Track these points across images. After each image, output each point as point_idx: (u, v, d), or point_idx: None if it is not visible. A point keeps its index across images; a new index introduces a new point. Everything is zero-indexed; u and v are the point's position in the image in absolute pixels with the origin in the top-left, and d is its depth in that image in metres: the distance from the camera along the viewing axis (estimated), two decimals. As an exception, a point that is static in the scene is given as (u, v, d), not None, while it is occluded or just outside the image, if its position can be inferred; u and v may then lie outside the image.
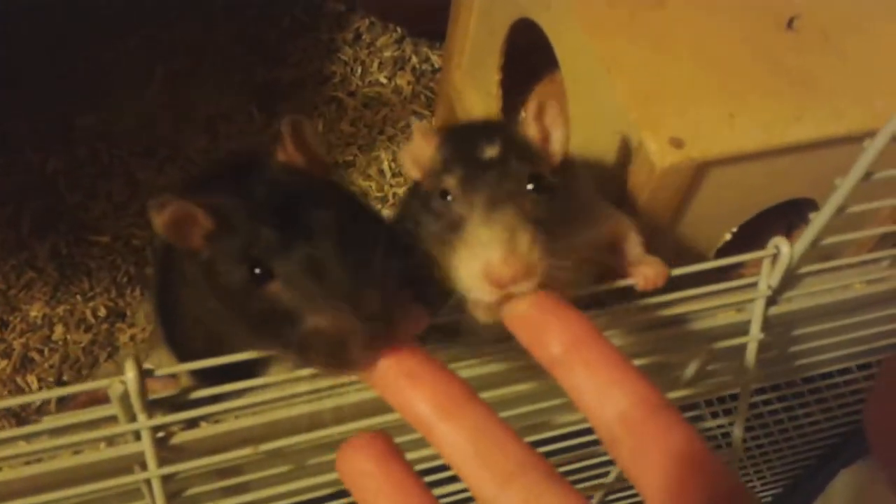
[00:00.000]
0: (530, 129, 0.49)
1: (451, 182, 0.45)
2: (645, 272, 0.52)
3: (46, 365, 0.79)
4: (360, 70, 1.04)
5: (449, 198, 0.44)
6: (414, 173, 0.50)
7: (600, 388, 0.31)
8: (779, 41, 0.62)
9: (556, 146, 0.49)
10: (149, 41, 1.03)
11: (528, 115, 0.49)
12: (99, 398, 0.45)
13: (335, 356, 0.37)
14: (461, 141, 0.49)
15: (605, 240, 0.54)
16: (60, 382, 0.77)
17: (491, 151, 0.46)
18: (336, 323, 0.37)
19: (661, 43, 0.60)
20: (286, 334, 0.39)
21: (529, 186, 0.44)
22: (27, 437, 0.42)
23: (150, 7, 1.05)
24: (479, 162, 0.45)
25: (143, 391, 0.41)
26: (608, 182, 0.59)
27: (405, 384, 0.33)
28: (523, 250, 0.40)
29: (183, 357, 0.50)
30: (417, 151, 0.49)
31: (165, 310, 0.61)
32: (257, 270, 0.40)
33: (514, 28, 0.75)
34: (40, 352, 0.81)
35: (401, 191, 0.95)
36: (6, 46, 0.99)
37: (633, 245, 0.54)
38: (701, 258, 0.63)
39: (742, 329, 0.54)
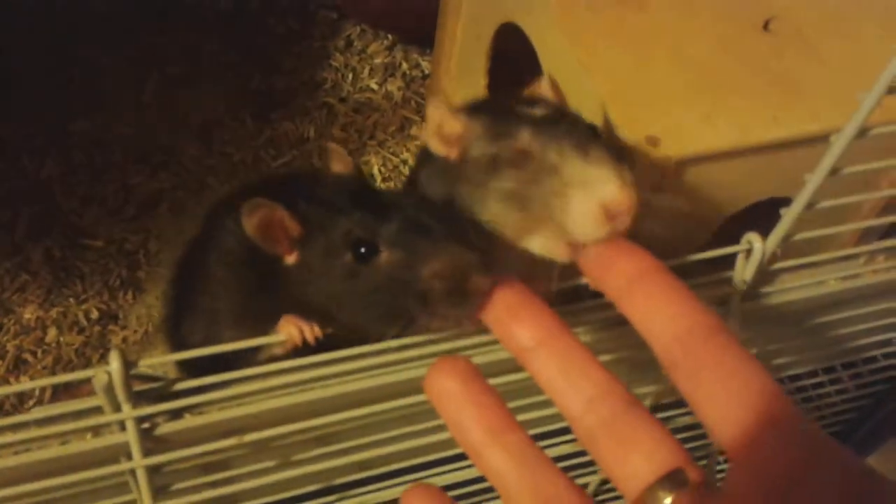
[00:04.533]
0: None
1: (524, 139, 0.45)
2: None
3: (39, 366, 0.80)
4: (351, 76, 1.05)
5: (521, 155, 0.45)
6: (445, 150, 0.50)
7: (661, 316, 0.33)
8: (756, 43, 0.63)
9: None
10: (143, 49, 1.05)
11: (543, 87, 0.50)
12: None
13: (459, 294, 0.40)
14: (497, 109, 0.49)
15: None
16: (53, 384, 0.78)
17: (541, 110, 0.47)
18: (454, 259, 0.41)
19: (639, 45, 0.61)
20: (402, 300, 0.42)
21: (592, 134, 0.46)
22: (14, 428, 0.43)
23: (145, 15, 1.07)
24: (540, 118, 0.46)
25: (127, 381, 0.41)
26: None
27: (506, 318, 0.36)
28: (630, 181, 0.42)
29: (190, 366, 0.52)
30: (445, 128, 0.49)
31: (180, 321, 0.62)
32: (363, 249, 0.43)
33: (499, 33, 0.76)
34: (33, 353, 0.82)
35: (391, 195, 0.96)
36: (2, 53, 1.01)
37: None
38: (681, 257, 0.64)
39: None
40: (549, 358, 0.34)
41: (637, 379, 0.57)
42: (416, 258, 0.42)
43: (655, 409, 0.59)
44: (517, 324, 0.36)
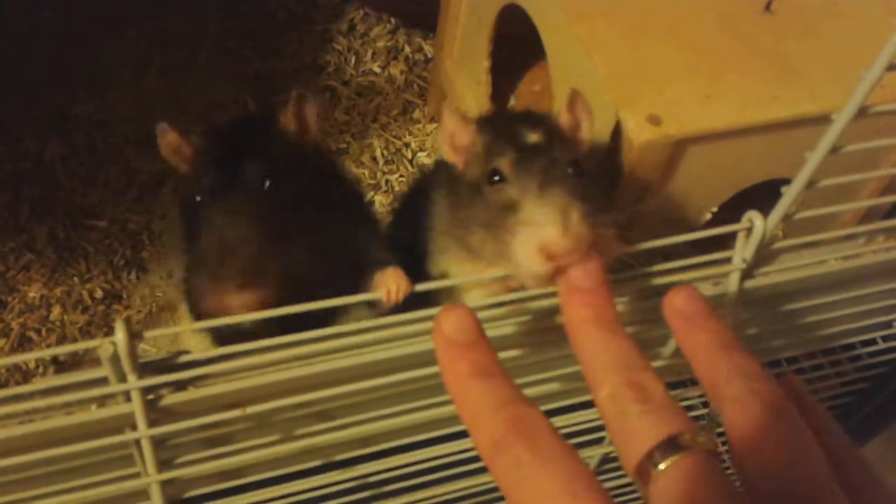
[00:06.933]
0: (563, 118, 0.52)
1: (503, 164, 0.48)
2: None
3: (44, 344, 0.81)
4: (353, 60, 1.06)
5: (497, 178, 0.48)
6: (452, 158, 0.52)
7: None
8: (756, 24, 0.63)
9: (586, 134, 0.53)
10: (146, 32, 1.05)
11: (561, 105, 0.52)
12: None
13: (222, 273, 0.50)
14: (503, 126, 0.52)
15: None
16: (57, 362, 0.79)
17: (535, 137, 0.49)
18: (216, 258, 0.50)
19: (640, 25, 0.62)
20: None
21: (570, 171, 0.47)
22: (20, 399, 0.43)
23: (147, -1, 1.07)
24: (527, 146, 0.49)
25: (132, 352, 0.42)
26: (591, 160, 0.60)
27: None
28: (575, 226, 0.43)
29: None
30: (456, 136, 0.52)
31: None
32: (198, 198, 0.53)
33: (502, 16, 0.77)
34: (38, 332, 0.82)
35: (393, 178, 0.96)
36: (6, 37, 1.01)
37: None
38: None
39: (720, 303, 0.55)
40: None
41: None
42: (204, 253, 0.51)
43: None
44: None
